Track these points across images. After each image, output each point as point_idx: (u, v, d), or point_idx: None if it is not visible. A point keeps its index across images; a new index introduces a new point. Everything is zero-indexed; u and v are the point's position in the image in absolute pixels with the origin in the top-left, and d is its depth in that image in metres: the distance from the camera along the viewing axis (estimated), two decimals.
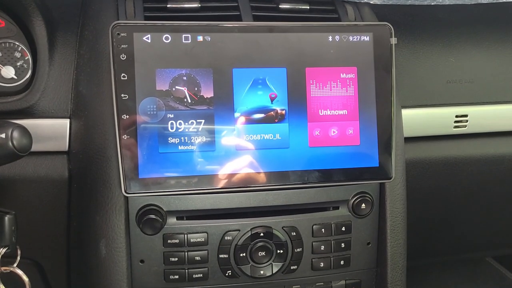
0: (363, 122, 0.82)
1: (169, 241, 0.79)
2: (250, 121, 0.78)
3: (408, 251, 0.90)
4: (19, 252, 0.78)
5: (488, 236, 1.30)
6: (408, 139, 0.93)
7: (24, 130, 0.67)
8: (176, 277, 0.81)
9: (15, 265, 0.78)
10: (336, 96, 0.81)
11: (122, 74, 0.74)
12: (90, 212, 0.79)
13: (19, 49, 0.84)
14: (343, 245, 0.85)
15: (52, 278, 0.97)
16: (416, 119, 0.96)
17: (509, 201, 1.18)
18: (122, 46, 0.74)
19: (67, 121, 0.83)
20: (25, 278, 0.78)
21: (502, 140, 1.05)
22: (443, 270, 1.65)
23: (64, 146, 0.83)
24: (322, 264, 0.85)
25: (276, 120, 0.79)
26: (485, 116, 1.01)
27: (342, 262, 0.86)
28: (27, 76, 0.84)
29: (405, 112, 0.93)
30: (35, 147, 0.78)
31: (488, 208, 1.19)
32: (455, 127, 0.99)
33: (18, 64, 0.84)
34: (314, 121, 0.80)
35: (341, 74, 0.81)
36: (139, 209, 0.78)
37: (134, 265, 0.80)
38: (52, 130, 0.83)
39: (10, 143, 0.64)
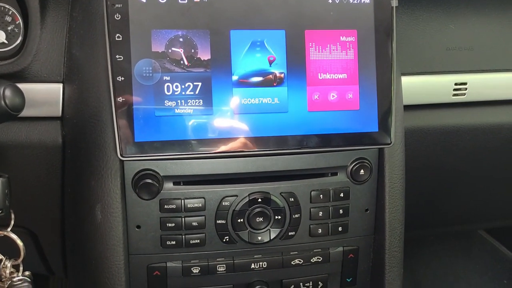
0: (363, 86, 0.80)
1: (165, 206, 0.78)
2: (248, 85, 0.77)
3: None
4: (12, 216, 0.76)
5: (482, 207, 1.30)
6: (406, 107, 0.92)
7: (16, 89, 0.65)
8: (173, 242, 0.80)
9: (9, 229, 0.77)
10: (335, 60, 0.79)
11: (117, 35, 0.72)
12: (85, 177, 0.78)
13: (10, 13, 0.82)
14: (341, 211, 0.85)
15: (46, 246, 0.97)
16: (414, 86, 0.95)
17: (505, 172, 1.17)
18: (117, 5, 0.72)
19: (60, 85, 0.81)
20: (19, 242, 0.77)
21: (501, 109, 1.04)
22: (437, 244, 1.66)
23: (58, 111, 0.82)
24: (320, 231, 0.84)
25: (274, 84, 0.77)
26: (484, 84, 1.00)
27: (340, 229, 0.85)
28: (18, 41, 0.82)
29: (404, 80, 0.92)
30: (27, 113, 0.77)
31: (483, 178, 1.19)
32: (454, 95, 0.98)
33: (9, 28, 0.82)
34: (313, 85, 0.79)
35: (341, 37, 0.79)
36: (135, 173, 0.77)
37: (130, 231, 0.79)
38: (45, 95, 0.81)
39: (3, 102, 0.63)
